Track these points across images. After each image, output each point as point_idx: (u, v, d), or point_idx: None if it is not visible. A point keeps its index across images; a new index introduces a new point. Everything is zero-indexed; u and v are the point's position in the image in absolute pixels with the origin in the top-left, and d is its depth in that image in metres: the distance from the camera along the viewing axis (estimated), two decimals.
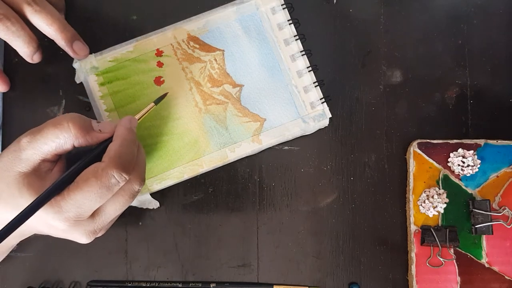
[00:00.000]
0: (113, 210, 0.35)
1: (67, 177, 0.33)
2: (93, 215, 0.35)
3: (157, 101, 0.42)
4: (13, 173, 0.33)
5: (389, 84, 0.46)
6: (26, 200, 0.32)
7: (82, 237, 0.35)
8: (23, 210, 0.31)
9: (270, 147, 0.45)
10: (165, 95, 0.43)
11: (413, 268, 0.44)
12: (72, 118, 0.35)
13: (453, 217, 0.44)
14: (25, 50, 0.40)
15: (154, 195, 0.44)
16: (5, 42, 0.40)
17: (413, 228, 0.44)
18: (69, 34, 0.41)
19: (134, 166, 0.35)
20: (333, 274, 0.45)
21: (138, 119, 0.39)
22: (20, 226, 0.32)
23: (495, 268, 0.44)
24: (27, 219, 0.31)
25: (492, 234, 0.43)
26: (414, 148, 0.45)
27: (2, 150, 0.43)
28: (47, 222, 0.33)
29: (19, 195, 0.33)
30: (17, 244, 0.44)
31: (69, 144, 0.34)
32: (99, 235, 0.37)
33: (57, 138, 0.34)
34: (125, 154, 0.34)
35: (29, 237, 0.40)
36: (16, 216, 0.31)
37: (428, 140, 0.45)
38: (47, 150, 0.34)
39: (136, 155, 0.36)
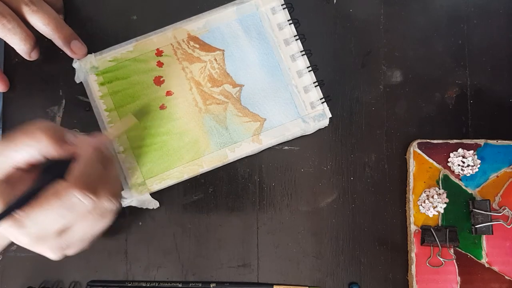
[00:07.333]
0: (81, 228, 0.34)
1: (30, 193, 0.32)
2: (60, 232, 0.34)
3: (138, 115, 0.41)
4: None
5: (389, 84, 0.46)
6: None
7: (48, 253, 0.34)
8: None
9: (270, 147, 0.45)
10: (146, 110, 0.43)
11: (413, 268, 0.44)
12: (45, 129, 0.33)
13: (453, 217, 0.44)
14: (22, 47, 0.40)
15: (154, 195, 0.44)
16: (5, 42, 0.40)
17: (413, 228, 0.44)
18: (66, 33, 0.41)
19: (103, 184, 0.34)
20: (333, 274, 0.45)
21: (116, 135, 0.39)
22: None
23: (495, 268, 0.44)
24: None
25: (492, 234, 0.43)
26: (414, 148, 0.45)
27: None
28: (12, 235, 0.32)
29: None
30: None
31: (39, 155, 0.33)
32: (70, 253, 0.36)
33: (28, 147, 0.33)
34: (88, 173, 0.33)
35: None
36: None
37: (428, 140, 0.45)
38: (18, 158, 0.33)
39: (102, 173, 0.35)
